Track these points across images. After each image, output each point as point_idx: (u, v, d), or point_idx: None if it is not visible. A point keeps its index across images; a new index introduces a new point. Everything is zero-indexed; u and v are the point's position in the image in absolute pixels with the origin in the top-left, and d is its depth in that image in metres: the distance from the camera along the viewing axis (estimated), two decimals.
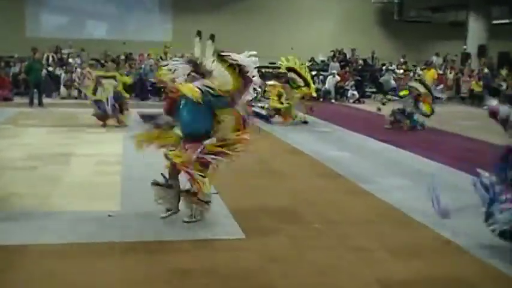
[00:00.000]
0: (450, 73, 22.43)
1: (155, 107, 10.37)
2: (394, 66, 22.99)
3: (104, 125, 11.86)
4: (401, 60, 23.83)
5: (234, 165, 5.65)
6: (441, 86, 15.88)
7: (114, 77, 12.13)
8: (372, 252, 4.95)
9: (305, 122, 13.35)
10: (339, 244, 5.14)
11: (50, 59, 19.93)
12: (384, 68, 23.06)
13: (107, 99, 11.74)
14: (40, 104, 15.80)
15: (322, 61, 23.36)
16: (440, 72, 22.18)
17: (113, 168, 7.81)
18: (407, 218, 5.98)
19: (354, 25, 26.19)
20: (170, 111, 5.62)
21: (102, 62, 14.43)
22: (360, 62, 23.51)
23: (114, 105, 11.80)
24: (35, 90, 15.98)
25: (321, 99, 19.51)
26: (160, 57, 16.86)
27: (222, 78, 5.35)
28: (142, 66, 19.37)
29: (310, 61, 21.48)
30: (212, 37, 5.61)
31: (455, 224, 5.51)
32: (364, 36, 25.48)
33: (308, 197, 6.69)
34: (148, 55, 19.58)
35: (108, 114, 11.82)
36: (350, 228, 5.61)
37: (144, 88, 18.69)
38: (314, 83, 20.05)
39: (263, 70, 20.97)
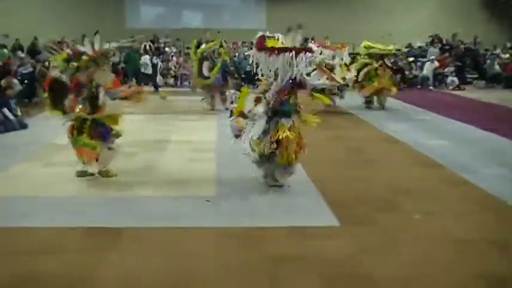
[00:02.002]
0: None
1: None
2: (499, 51, 21.76)
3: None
4: (508, 44, 22.46)
5: (329, 154, 5.60)
6: None
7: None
8: (473, 244, 4.72)
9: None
10: (437, 235, 4.93)
11: (147, 48, 20.52)
12: (487, 52, 21.90)
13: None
14: None
15: (420, 47, 22.54)
16: None
17: (208, 155, 7.94)
18: (511, 208, 5.66)
19: (455, 8, 24.95)
20: None
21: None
22: (462, 46, 22.38)
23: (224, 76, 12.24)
24: (133, 78, 16.53)
25: (419, 86, 18.95)
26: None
27: None
28: (236, 54, 19.55)
29: (407, 47, 20.80)
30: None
31: None
32: (466, 20, 24.19)
33: (405, 187, 6.47)
34: (242, 43, 19.71)
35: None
36: (449, 219, 5.37)
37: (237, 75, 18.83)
38: (411, 69, 19.63)
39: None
